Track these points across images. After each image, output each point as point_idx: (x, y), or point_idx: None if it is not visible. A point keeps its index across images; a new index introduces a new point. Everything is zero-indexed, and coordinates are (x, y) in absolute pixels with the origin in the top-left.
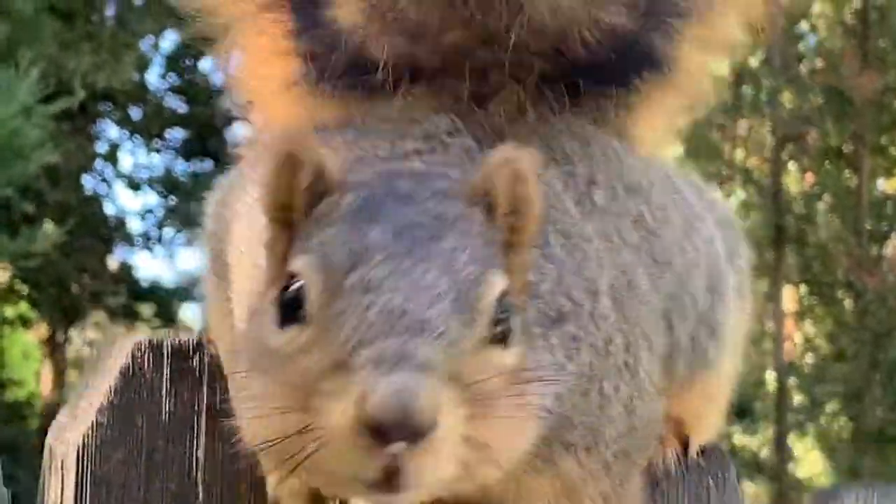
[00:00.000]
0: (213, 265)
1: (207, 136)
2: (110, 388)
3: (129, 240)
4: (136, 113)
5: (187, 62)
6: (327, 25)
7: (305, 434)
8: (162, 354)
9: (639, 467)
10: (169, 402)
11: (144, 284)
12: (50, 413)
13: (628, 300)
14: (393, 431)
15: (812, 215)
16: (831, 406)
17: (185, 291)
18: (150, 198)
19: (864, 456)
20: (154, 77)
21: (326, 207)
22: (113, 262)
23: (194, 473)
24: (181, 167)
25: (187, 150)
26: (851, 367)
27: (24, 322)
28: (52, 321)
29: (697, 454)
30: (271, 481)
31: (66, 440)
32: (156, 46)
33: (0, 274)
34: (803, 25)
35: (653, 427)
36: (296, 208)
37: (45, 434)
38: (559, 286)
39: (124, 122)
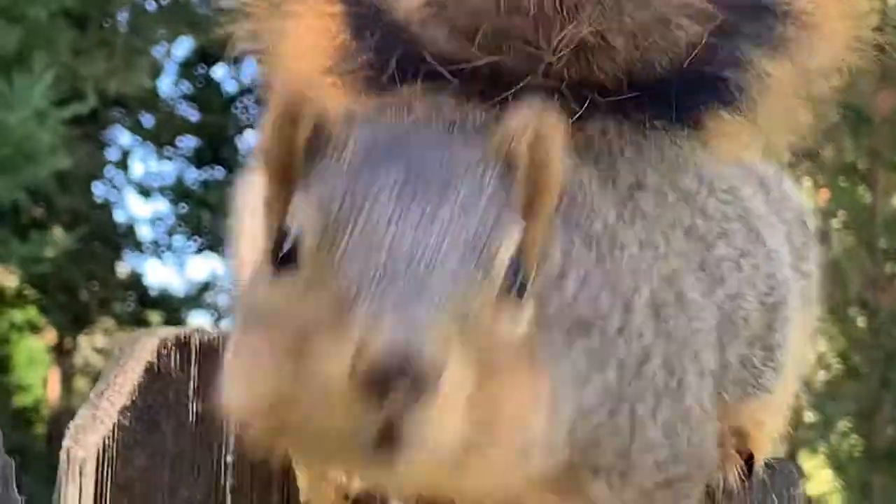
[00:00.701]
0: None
1: (219, 145)
2: (134, 387)
3: (138, 247)
4: (147, 120)
5: (200, 70)
6: (379, 14)
7: (298, 389)
8: (189, 352)
9: (689, 499)
10: (196, 403)
11: (153, 292)
12: (57, 419)
13: (675, 316)
14: (393, 380)
15: (826, 232)
16: (843, 424)
17: (195, 299)
18: (161, 205)
19: (875, 474)
20: (166, 84)
21: (328, 158)
22: (122, 270)
23: (223, 480)
24: (192, 175)
25: (199, 159)
26: (863, 386)
27: (33, 328)
28: (61, 327)
29: (762, 470)
30: (303, 488)
31: (85, 443)
32: (168, 53)
33: (9, 279)
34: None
35: (703, 455)
36: (295, 164)
37: (52, 440)
38: (582, 291)
39: (136, 129)
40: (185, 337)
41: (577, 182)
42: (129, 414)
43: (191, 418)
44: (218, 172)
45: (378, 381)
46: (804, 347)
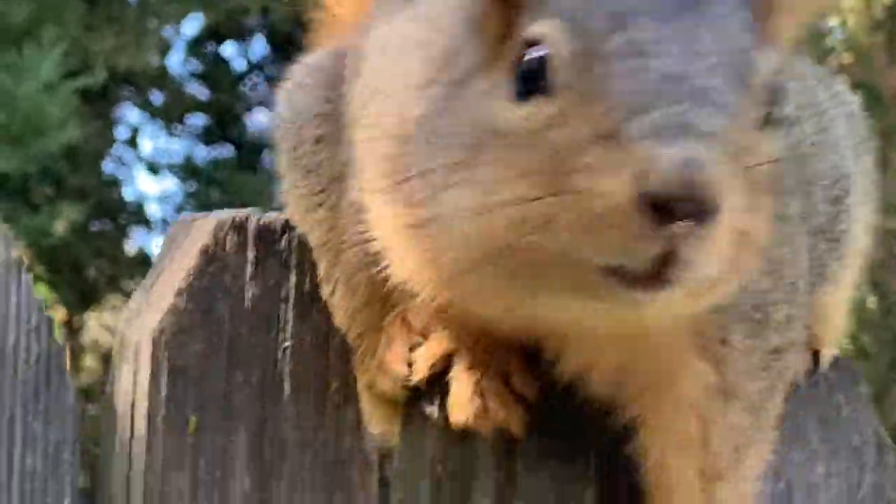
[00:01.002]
0: (290, 156)
1: (228, 123)
2: (189, 269)
3: (147, 224)
4: (156, 98)
5: (209, 48)
6: None
7: (561, 208)
8: (246, 234)
9: (786, 381)
10: (253, 287)
11: None
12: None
13: (787, 177)
14: (679, 208)
15: None
16: None
17: None
18: (169, 183)
19: None
20: (175, 62)
21: None
22: (130, 247)
23: (280, 366)
24: (201, 153)
25: (208, 136)
26: (872, 367)
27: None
28: (70, 305)
29: (829, 367)
30: (360, 382)
31: (139, 326)
32: (177, 31)
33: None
34: (832, 19)
35: (802, 333)
36: None
37: None
38: None
39: (145, 106)
40: (241, 219)
41: None
42: (184, 296)
43: (247, 303)
44: (227, 150)
45: (663, 209)
46: (864, 241)
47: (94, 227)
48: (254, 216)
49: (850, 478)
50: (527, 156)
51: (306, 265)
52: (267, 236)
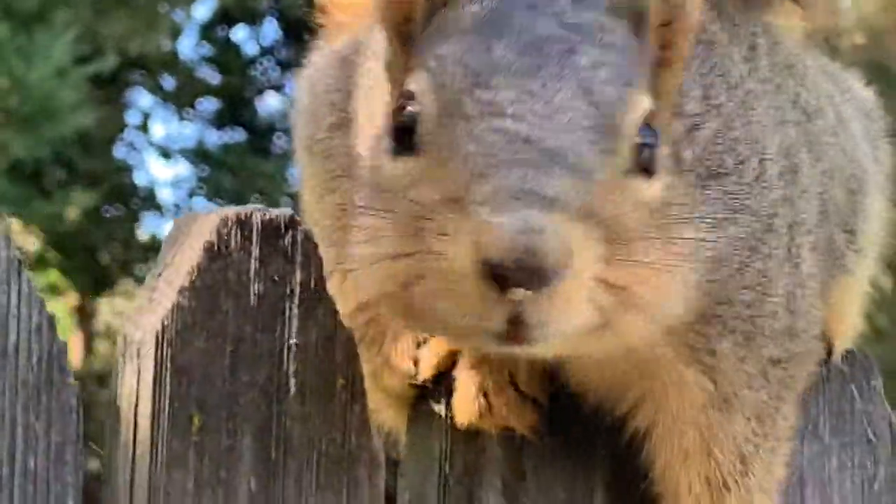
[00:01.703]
0: (306, 143)
1: (239, 107)
2: (193, 267)
3: (159, 209)
4: (168, 82)
5: (220, 32)
6: None
7: (422, 271)
8: (251, 231)
9: (795, 391)
10: (258, 284)
11: None
12: (80, 383)
13: (791, 184)
14: (514, 276)
15: None
16: None
17: None
18: (181, 167)
19: None
20: (187, 46)
21: (446, 18)
22: (143, 232)
23: (285, 365)
24: (212, 137)
25: (219, 121)
26: (888, 347)
27: (54, 291)
28: (82, 290)
29: (842, 359)
30: (368, 374)
31: (142, 325)
32: (188, 15)
33: (31, 242)
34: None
35: (812, 338)
36: (415, 19)
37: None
38: (722, 136)
39: (156, 90)
40: (245, 215)
41: (711, 31)
42: (187, 294)
43: (252, 300)
44: (238, 134)
45: (499, 277)
46: (879, 234)
47: (107, 212)
48: (258, 212)
49: (864, 471)
50: (396, 213)
51: (312, 262)
52: (271, 232)
